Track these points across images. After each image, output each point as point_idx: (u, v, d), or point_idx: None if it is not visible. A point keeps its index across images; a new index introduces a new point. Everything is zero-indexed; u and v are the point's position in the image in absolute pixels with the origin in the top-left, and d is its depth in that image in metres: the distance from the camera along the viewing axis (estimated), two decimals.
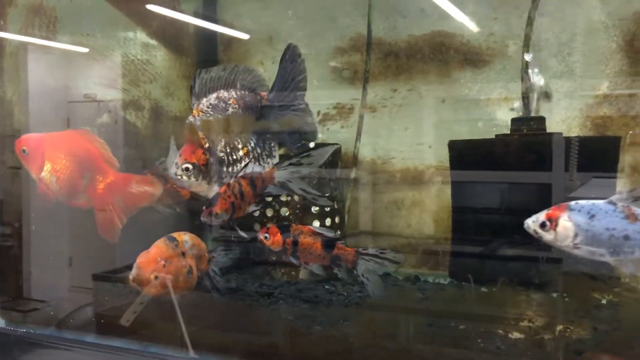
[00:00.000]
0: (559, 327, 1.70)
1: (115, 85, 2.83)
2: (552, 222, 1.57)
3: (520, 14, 2.66)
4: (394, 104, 2.98)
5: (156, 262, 1.93)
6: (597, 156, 1.96)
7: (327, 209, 2.73)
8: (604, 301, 1.95)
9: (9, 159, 2.67)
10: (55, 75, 2.87)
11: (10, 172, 2.73)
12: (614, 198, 1.57)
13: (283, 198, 2.69)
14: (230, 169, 2.05)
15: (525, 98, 2.27)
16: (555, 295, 1.96)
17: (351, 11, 3.06)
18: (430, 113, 2.94)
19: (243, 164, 2.07)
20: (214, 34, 3.23)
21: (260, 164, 2.10)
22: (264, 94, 2.17)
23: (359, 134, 2.96)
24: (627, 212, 1.56)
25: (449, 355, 1.82)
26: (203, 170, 2.01)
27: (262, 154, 2.11)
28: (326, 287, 2.59)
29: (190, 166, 2.01)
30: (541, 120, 2.22)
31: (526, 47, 2.30)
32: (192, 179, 2.02)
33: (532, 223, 1.60)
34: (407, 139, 2.98)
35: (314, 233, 2.05)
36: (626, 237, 1.54)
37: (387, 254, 1.97)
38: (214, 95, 2.07)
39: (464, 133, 2.78)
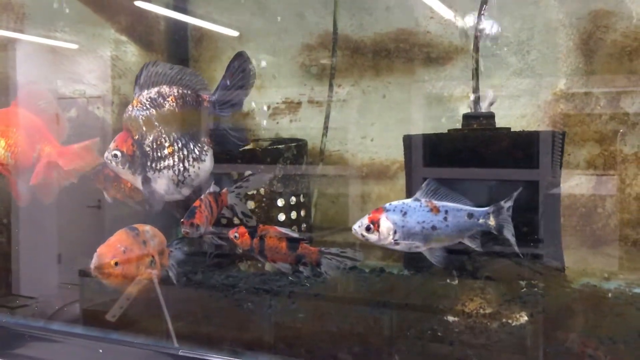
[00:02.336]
0: (490, 310, 1.79)
1: (82, 80, 2.87)
2: (375, 224, 1.77)
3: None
4: (360, 99, 3.05)
5: (116, 249, 1.99)
6: (540, 151, 2.04)
7: (293, 203, 2.80)
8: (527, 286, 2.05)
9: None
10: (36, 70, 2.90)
11: None
12: (417, 195, 1.81)
13: (249, 192, 2.75)
14: (154, 165, 2.10)
15: (477, 95, 2.34)
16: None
17: (319, 9, 3.12)
18: (395, 109, 3.01)
19: (167, 162, 2.12)
20: (184, 30, 3.28)
21: (184, 166, 2.15)
22: (205, 96, 2.18)
23: (325, 129, 3.02)
24: (430, 205, 1.80)
25: (388, 338, 1.91)
26: (129, 160, 2.08)
27: (188, 156, 2.15)
28: (290, 278, 2.67)
29: (119, 153, 2.09)
30: (491, 116, 2.30)
31: (475, 47, 2.37)
32: (119, 166, 2.10)
33: (358, 228, 1.80)
34: (373, 134, 3.05)
35: (280, 233, 2.14)
36: (433, 227, 1.78)
37: (348, 253, 2.08)
38: (156, 89, 2.11)
39: (429, 129, 2.85)
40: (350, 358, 1.93)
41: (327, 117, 3.02)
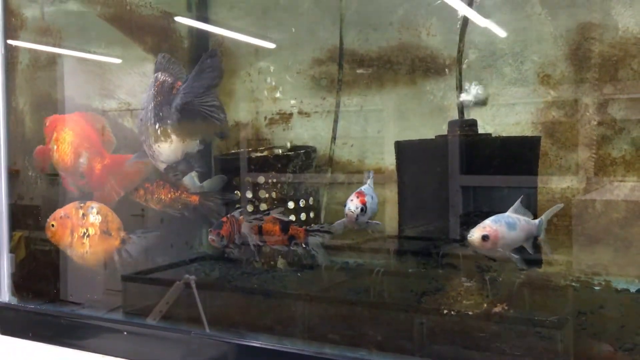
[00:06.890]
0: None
1: (113, 95, 3.18)
2: (365, 206, 2.16)
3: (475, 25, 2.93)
4: (365, 109, 3.28)
5: (57, 213, 2.43)
6: (518, 156, 2.21)
7: (302, 205, 3.04)
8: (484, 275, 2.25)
9: (48, 167, 2.83)
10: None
11: (48, 179, 2.98)
12: (369, 184, 2.25)
13: (261, 194, 3.01)
14: (140, 138, 2.39)
15: (460, 103, 2.53)
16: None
17: (329, 25, 3.35)
18: (398, 118, 3.21)
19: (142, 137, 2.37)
20: (206, 48, 3.56)
21: (149, 143, 2.33)
22: (180, 83, 2.30)
23: (334, 137, 3.25)
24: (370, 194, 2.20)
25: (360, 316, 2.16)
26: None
27: (147, 139, 2.35)
28: (299, 274, 2.91)
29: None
30: (473, 122, 2.48)
31: (459, 61, 2.56)
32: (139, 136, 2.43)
33: (355, 209, 2.15)
34: (379, 142, 3.27)
35: (274, 219, 2.41)
36: (373, 211, 2.21)
37: (325, 227, 2.44)
38: (155, 75, 2.35)
39: (429, 136, 3.05)
40: None
41: (335, 126, 3.25)
